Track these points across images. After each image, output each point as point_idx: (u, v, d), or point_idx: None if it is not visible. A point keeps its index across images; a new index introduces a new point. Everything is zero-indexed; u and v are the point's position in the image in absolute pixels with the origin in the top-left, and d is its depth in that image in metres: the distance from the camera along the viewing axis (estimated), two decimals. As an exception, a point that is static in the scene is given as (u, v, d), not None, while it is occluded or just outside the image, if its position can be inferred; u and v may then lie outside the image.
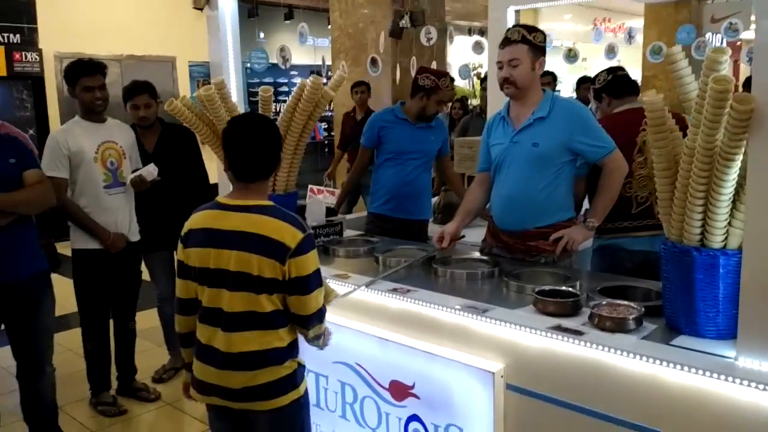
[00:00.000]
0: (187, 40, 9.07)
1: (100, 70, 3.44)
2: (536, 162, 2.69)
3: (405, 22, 5.00)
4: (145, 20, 9.21)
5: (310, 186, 4.68)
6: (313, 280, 1.99)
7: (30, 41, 8.10)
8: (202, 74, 9.78)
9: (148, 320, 4.99)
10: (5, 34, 7.90)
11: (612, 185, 2.71)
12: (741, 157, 1.66)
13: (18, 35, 8.00)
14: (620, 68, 3.28)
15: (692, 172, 1.76)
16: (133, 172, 3.56)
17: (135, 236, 3.66)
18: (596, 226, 2.71)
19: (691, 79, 1.80)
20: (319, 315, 2.04)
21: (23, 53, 7.99)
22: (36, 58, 8.07)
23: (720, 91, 1.59)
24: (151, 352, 4.53)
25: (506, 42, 2.69)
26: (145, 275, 4.15)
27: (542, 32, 2.72)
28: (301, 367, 2.10)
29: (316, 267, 2.01)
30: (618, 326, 1.92)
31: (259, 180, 2.03)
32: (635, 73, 10.90)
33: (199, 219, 2.05)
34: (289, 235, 1.93)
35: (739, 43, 14.37)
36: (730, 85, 1.59)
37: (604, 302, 2.04)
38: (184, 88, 9.78)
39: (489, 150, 2.88)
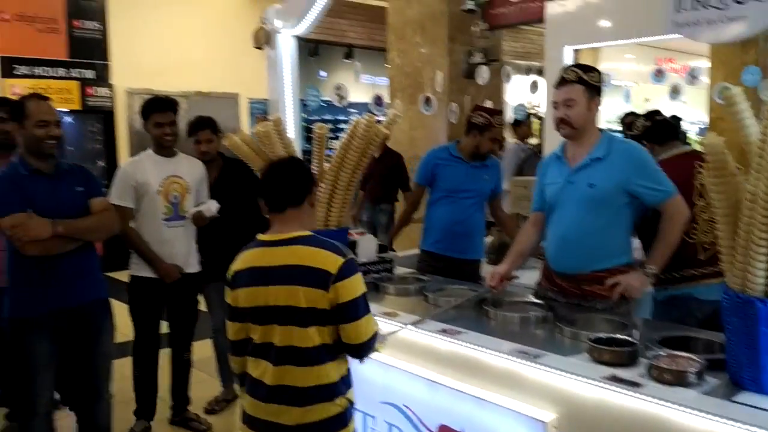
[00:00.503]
0: (250, 78, 9.34)
1: (172, 107, 3.57)
2: (592, 203, 2.62)
3: (479, 58, 4.98)
4: (212, 58, 9.55)
5: None
6: (361, 305, 1.99)
7: (103, 77, 8.50)
8: (260, 111, 10.03)
9: (203, 350, 5.05)
10: (80, 70, 8.32)
11: (672, 231, 2.60)
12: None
13: (92, 71, 8.41)
14: (657, 112, 3.17)
15: (755, 219, 1.68)
16: (196, 206, 3.63)
17: (193, 268, 3.71)
18: (655, 272, 2.61)
19: (752, 121, 1.73)
20: (374, 341, 2.04)
21: (96, 88, 8.38)
22: (108, 94, 8.46)
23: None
24: (205, 383, 4.56)
25: (562, 82, 2.66)
26: (203, 306, 4.21)
27: (598, 72, 2.68)
28: (351, 405, 2.08)
29: (363, 292, 2.00)
30: (678, 379, 1.83)
31: (289, 208, 2.04)
32: (700, 115, 10.61)
33: (243, 260, 2.08)
34: (329, 261, 1.95)
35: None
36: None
37: (663, 353, 1.95)
38: (244, 125, 10.06)
39: (543, 190, 2.84)
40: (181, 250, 3.61)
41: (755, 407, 1.71)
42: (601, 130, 2.72)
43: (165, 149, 3.58)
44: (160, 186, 3.50)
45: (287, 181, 2.07)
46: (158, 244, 3.51)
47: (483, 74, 4.68)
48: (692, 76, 5.23)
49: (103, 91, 8.43)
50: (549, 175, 2.82)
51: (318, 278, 1.93)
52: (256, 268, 2.02)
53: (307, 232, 2.04)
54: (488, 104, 5.38)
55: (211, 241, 3.87)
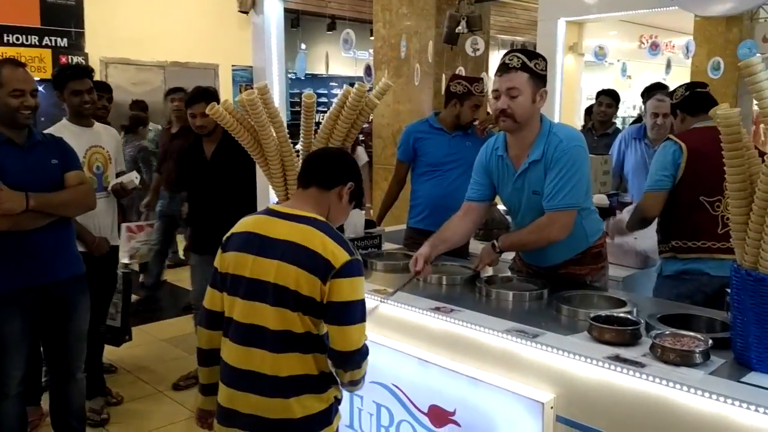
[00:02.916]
0: (230, 47, 9.14)
1: (88, 74, 3.48)
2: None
3: (462, 27, 4.82)
4: (190, 28, 9.30)
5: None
6: (356, 311, 1.80)
7: (77, 45, 8.24)
8: (245, 79, 9.83)
9: (180, 327, 4.97)
10: (53, 38, 8.05)
11: (534, 231, 2.48)
12: (830, 178, 1.51)
13: (65, 39, 8.14)
14: (700, 84, 3.10)
15: (773, 194, 1.60)
16: (118, 175, 3.59)
17: (116, 240, 3.67)
18: (501, 251, 2.58)
19: (772, 91, 1.65)
20: (361, 355, 1.84)
21: (69, 57, 8.11)
22: (82, 62, 8.18)
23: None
24: (182, 360, 4.48)
25: (504, 69, 2.41)
26: (184, 283, 4.11)
27: (544, 59, 2.47)
28: (338, 400, 1.95)
29: (361, 297, 1.82)
30: (683, 359, 1.76)
31: (314, 186, 1.91)
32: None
33: (245, 223, 1.93)
34: (336, 253, 1.77)
35: (790, 64, 13.88)
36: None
37: (667, 332, 1.89)
38: (227, 94, 9.86)
39: (484, 179, 2.67)
40: (107, 221, 3.52)
41: (764, 388, 1.65)
42: (541, 121, 2.51)
43: (83, 118, 3.46)
44: (83, 157, 3.34)
45: (324, 162, 1.97)
46: (84, 216, 3.27)
47: (476, 44, 4.54)
48: (687, 50, 5.17)
49: (76, 60, 8.16)
50: (496, 174, 2.63)
51: (318, 265, 1.76)
52: (255, 234, 1.86)
53: (321, 217, 1.86)
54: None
55: (201, 214, 3.82)
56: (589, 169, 2.53)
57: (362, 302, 1.83)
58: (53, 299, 2.78)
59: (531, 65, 2.39)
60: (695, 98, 3.00)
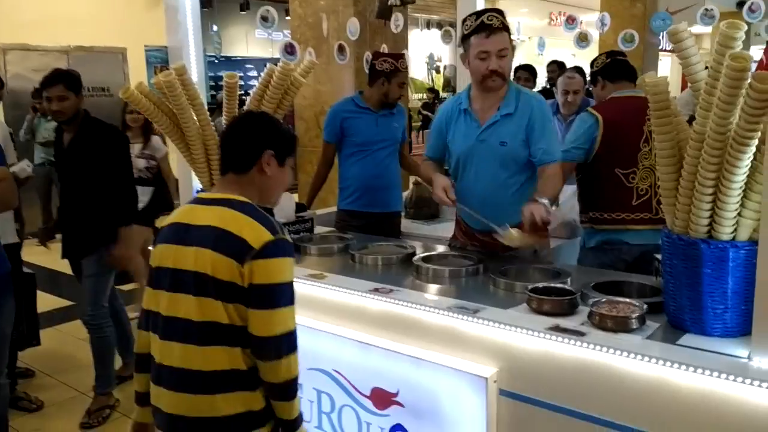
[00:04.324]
0: (138, 29, 8.72)
1: None
2: (507, 161, 2.56)
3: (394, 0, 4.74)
4: (93, 10, 8.80)
5: None
6: (281, 294, 1.67)
7: (-30, 31, 7.66)
8: (159, 60, 9.37)
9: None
10: (-58, 23, 7.46)
11: (554, 179, 2.54)
12: (756, 141, 1.55)
13: (-44, 24, 7.56)
14: (620, 53, 3.17)
15: (701, 159, 1.64)
16: (8, 167, 3.28)
17: (10, 238, 3.39)
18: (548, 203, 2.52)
19: (698, 58, 1.68)
20: (284, 344, 1.67)
21: (-38, 43, 7.55)
22: (-25, 49, 7.63)
23: (738, 69, 1.47)
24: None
25: (489, 29, 2.46)
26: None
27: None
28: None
29: (288, 280, 1.69)
30: (621, 325, 1.80)
31: (231, 173, 1.81)
32: (586, 68, 10.97)
33: (174, 214, 1.86)
34: (254, 233, 1.66)
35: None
36: (748, 63, 1.47)
37: (603, 300, 1.92)
38: (137, 78, 9.39)
39: (444, 142, 2.73)
40: None
41: (701, 349, 1.70)
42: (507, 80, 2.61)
43: None
44: None
45: (229, 142, 1.85)
46: None
47: (398, 21, 4.48)
48: (602, 24, 5.31)
49: (-31, 46, 7.60)
50: (455, 130, 2.69)
51: (233, 246, 1.65)
52: (178, 224, 1.79)
53: (244, 198, 1.76)
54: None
55: (62, 210, 3.51)
56: None
57: (288, 285, 1.70)
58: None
59: (507, 23, 2.50)
60: (616, 65, 3.06)
